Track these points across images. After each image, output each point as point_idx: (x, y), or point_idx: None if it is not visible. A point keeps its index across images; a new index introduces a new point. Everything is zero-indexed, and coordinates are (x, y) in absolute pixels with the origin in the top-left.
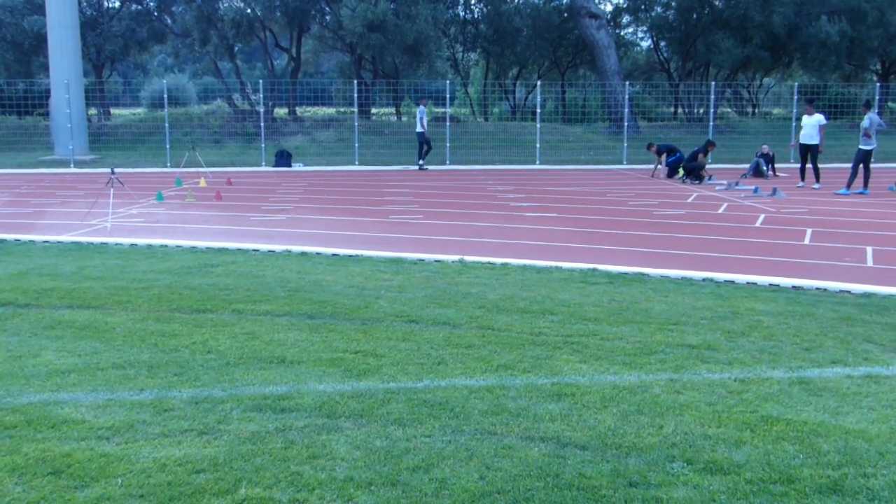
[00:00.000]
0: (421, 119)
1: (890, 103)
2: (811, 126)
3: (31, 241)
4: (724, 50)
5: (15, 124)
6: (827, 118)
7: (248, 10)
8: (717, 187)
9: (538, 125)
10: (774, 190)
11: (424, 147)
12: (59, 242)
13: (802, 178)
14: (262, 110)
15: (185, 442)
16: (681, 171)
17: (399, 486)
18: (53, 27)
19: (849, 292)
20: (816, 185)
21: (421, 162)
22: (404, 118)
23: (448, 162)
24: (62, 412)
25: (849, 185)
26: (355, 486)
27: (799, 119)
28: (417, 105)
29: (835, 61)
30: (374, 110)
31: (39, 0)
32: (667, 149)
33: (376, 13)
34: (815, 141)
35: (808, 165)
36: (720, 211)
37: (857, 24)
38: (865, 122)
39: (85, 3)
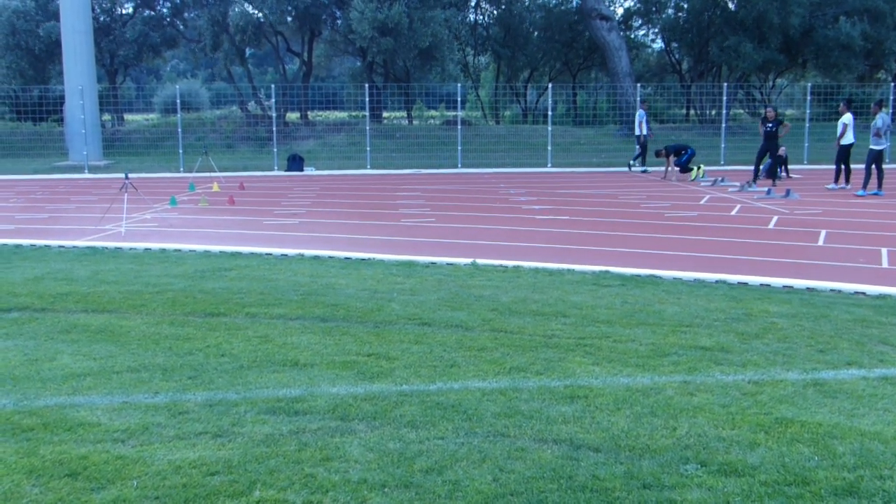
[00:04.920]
0: (640, 122)
1: None
2: (840, 125)
3: (47, 246)
4: (744, 54)
5: (30, 130)
6: (855, 117)
7: (260, 15)
8: (730, 189)
9: (549, 128)
10: (788, 191)
11: (640, 150)
12: (74, 247)
13: (836, 180)
14: (274, 115)
15: (199, 444)
16: (694, 173)
17: (412, 487)
18: (67, 33)
19: (864, 294)
20: (832, 186)
21: (638, 165)
22: (416, 122)
23: (459, 165)
24: (78, 415)
25: (864, 186)
26: (369, 487)
27: (812, 120)
28: (638, 109)
29: (856, 64)
30: (385, 114)
31: (53, 7)
32: (675, 149)
33: (389, 16)
34: (847, 141)
35: (853, 166)
36: (733, 213)
37: (875, 25)
38: (878, 122)
39: (98, 10)
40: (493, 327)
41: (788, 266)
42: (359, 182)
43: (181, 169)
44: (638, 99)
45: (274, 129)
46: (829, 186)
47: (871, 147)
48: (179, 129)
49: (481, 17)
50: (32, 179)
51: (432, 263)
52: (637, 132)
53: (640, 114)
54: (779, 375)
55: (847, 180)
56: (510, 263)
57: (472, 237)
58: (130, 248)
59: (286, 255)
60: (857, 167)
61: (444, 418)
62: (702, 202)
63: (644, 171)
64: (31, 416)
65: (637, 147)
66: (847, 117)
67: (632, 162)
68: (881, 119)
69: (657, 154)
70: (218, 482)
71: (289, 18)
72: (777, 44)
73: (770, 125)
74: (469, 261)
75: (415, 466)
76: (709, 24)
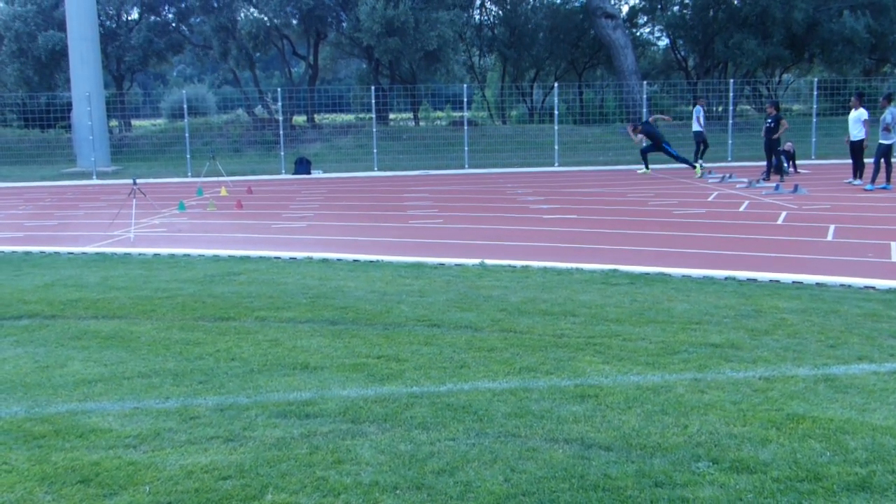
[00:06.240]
0: (698, 118)
1: None
2: (853, 121)
3: (57, 253)
4: (748, 50)
5: (38, 137)
6: (869, 112)
7: (266, 19)
8: (738, 185)
9: (556, 127)
10: (796, 187)
11: (701, 146)
12: (83, 254)
13: (854, 175)
14: (280, 118)
15: (211, 449)
16: (696, 170)
17: (424, 489)
18: (74, 40)
19: (874, 288)
20: (854, 181)
21: (700, 161)
22: (422, 123)
23: (467, 165)
24: (90, 421)
25: (873, 181)
26: (380, 490)
27: (819, 115)
28: (694, 105)
29: (860, 58)
30: (391, 116)
31: (58, 15)
32: (649, 133)
33: (396, 14)
34: (856, 137)
35: (868, 161)
36: (741, 209)
37: (879, 18)
38: (887, 117)
39: (104, 16)
40: (502, 327)
41: (797, 261)
42: (366, 184)
43: (189, 174)
44: (644, 96)
45: (281, 132)
46: (883, 185)
47: (881, 142)
48: (187, 134)
49: (486, 18)
50: (41, 186)
51: (441, 264)
52: (695, 128)
53: (696, 109)
54: (789, 371)
55: (855, 175)
56: (519, 263)
57: (480, 237)
58: (139, 254)
59: (295, 258)
60: (866, 161)
61: (454, 419)
62: (710, 199)
63: (695, 167)
64: (42, 423)
65: (698, 144)
66: (863, 113)
67: (700, 161)
68: (890, 113)
69: (633, 129)
70: (230, 486)
71: (294, 21)
72: (781, 39)
73: (769, 120)
74: (477, 261)
75: (426, 468)
76: (713, 21)
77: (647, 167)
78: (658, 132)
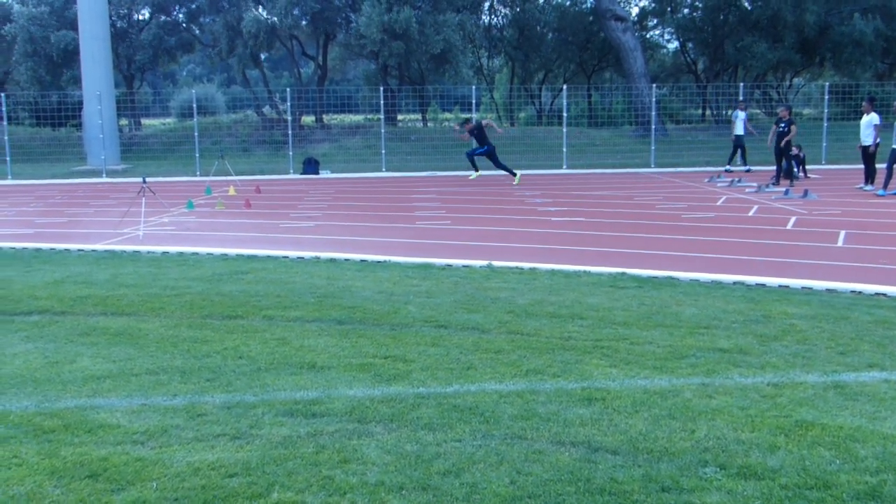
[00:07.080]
0: (735, 121)
1: None
2: (863, 126)
3: (67, 250)
4: (758, 53)
5: (49, 136)
6: (881, 117)
7: (273, 20)
8: (748, 189)
9: (564, 129)
10: (806, 192)
11: (739, 150)
12: (93, 251)
13: (865, 181)
14: (289, 118)
15: (218, 446)
16: (515, 179)
17: (430, 490)
18: (85, 39)
19: (885, 295)
20: (866, 187)
21: (746, 166)
22: (430, 124)
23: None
24: (98, 417)
25: (885, 186)
26: (386, 490)
27: (831, 119)
28: (734, 109)
29: (870, 61)
30: (400, 117)
31: (69, 14)
32: (476, 132)
33: (398, 20)
34: (867, 142)
35: (880, 166)
36: (750, 214)
37: (890, 22)
38: None
39: (115, 16)
40: (509, 329)
41: (807, 267)
42: (374, 185)
43: (198, 173)
44: (653, 100)
45: (289, 132)
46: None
47: (894, 146)
48: (196, 133)
49: (495, 20)
50: (51, 184)
51: (448, 266)
52: (740, 132)
53: (735, 114)
54: (798, 378)
55: (867, 181)
56: (526, 265)
57: (487, 239)
58: (148, 252)
59: (302, 257)
60: (879, 166)
61: (461, 420)
62: (718, 203)
63: (748, 170)
64: (52, 418)
65: (735, 148)
66: (875, 117)
67: (746, 166)
68: None
69: (464, 123)
70: (236, 484)
71: (303, 22)
72: (792, 42)
73: (783, 125)
74: (485, 263)
75: (432, 469)
76: (724, 23)
77: (475, 170)
78: (486, 137)
